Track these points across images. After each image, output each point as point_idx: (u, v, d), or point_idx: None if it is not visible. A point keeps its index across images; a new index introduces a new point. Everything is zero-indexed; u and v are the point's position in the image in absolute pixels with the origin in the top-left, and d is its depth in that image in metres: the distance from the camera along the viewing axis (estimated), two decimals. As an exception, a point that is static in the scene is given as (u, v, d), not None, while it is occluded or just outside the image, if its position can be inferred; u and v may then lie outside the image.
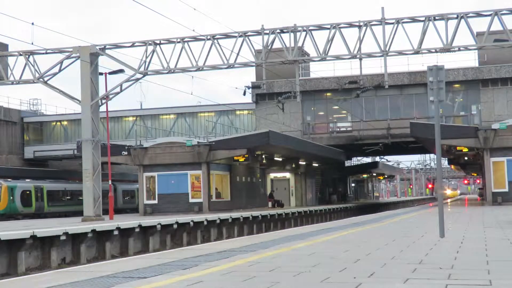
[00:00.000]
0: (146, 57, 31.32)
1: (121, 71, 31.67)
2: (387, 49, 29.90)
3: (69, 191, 48.12)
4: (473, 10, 30.10)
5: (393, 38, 29.85)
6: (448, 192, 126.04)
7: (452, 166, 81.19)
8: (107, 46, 32.14)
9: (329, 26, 30.49)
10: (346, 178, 70.65)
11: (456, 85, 48.40)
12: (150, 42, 31.45)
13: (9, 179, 44.28)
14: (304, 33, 30.77)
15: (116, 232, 23.43)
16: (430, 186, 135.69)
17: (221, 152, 37.22)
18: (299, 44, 31.06)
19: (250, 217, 33.53)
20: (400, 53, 30.73)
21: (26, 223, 31.03)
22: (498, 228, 16.88)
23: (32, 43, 27.93)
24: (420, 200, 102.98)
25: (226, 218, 31.07)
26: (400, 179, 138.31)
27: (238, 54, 30.84)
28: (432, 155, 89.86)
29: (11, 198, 42.37)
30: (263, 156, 44.01)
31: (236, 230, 32.18)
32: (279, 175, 51.11)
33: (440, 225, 14.01)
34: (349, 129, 51.41)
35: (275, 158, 45.62)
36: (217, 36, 31.04)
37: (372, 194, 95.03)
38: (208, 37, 30.98)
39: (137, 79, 32.00)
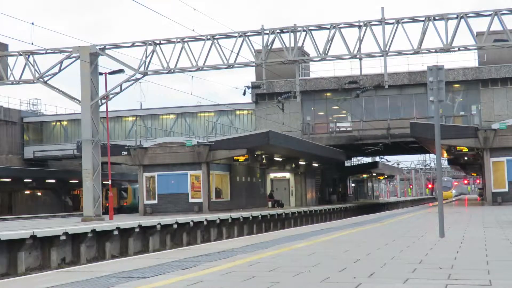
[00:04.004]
0: (146, 57, 31.30)
1: (121, 71, 31.65)
2: (387, 49, 29.89)
3: None
4: (473, 10, 30.08)
5: (393, 38, 29.84)
6: None
7: (450, 166, 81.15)
8: (107, 46, 32.12)
9: (329, 26, 30.48)
10: (346, 178, 70.63)
11: (456, 85, 48.40)
12: (150, 42, 31.44)
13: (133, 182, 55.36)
14: (304, 33, 30.75)
15: (116, 232, 23.42)
16: (430, 186, 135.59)
17: (221, 152, 37.22)
18: (299, 44, 31.04)
19: (250, 217, 33.52)
20: (400, 53, 30.72)
21: (26, 223, 31.09)
22: (498, 228, 16.88)
23: (32, 43, 27.90)
24: (420, 200, 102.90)
25: (226, 218, 31.06)
26: (400, 179, 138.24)
27: (238, 54, 30.83)
28: (432, 155, 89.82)
29: (134, 196, 54.15)
30: (263, 156, 44.00)
31: (236, 230, 32.17)
32: (279, 175, 51.09)
33: (440, 225, 14.01)
34: (349, 129, 51.43)
35: (275, 158, 45.61)
36: (217, 36, 31.03)
37: (372, 194, 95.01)
38: (208, 37, 30.97)
39: (137, 79, 31.99)
